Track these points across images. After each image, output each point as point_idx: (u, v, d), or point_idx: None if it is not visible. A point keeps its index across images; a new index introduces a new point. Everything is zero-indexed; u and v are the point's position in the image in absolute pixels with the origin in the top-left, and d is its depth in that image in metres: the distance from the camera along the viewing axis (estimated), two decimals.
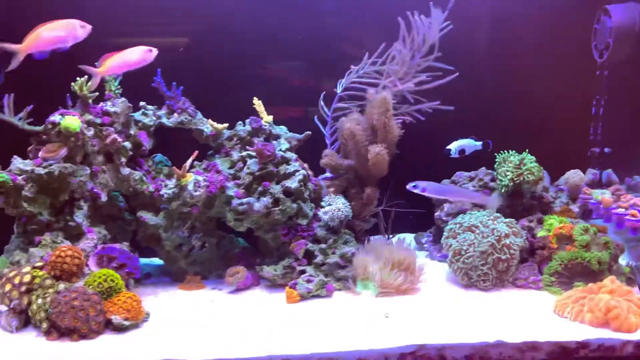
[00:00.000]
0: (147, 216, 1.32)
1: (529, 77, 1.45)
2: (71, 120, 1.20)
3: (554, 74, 1.44)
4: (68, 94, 1.32)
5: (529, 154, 1.38)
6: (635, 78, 1.35)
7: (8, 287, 1.20)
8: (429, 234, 1.55)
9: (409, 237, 1.58)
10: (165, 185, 1.32)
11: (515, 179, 1.36)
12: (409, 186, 1.31)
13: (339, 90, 1.49)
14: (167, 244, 1.33)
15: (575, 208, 1.41)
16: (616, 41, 1.27)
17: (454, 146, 1.41)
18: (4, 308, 1.23)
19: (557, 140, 1.47)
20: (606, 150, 1.47)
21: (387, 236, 1.45)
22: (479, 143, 1.43)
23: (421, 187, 1.29)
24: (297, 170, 1.30)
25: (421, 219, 1.53)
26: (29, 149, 1.34)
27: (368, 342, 1.12)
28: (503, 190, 1.38)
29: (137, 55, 1.25)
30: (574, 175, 1.39)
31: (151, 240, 1.35)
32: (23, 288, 1.20)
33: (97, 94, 1.27)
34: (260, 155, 1.28)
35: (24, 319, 1.17)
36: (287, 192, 1.29)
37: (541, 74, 1.44)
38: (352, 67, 1.49)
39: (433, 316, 1.23)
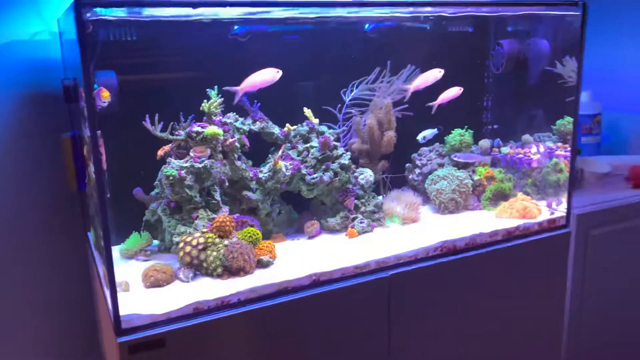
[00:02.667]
0: (250, 194, 1.88)
1: (453, 84, 2.33)
2: (215, 129, 1.72)
3: (462, 82, 2.34)
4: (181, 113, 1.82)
5: (466, 130, 2.29)
6: (509, 83, 2.36)
7: (188, 248, 1.65)
8: (404, 189, 2.36)
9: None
10: (261, 171, 1.90)
11: (458, 145, 2.26)
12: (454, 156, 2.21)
13: (347, 100, 2.20)
14: (262, 212, 1.90)
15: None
16: (507, 61, 2.25)
17: (420, 136, 2.25)
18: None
19: (468, 121, 2.39)
20: (495, 126, 2.47)
21: (384, 193, 2.21)
22: (435, 129, 2.28)
23: (456, 155, 2.22)
24: (344, 153, 1.98)
25: (394, 183, 2.33)
26: (161, 153, 1.79)
27: (414, 245, 1.88)
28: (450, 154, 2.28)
29: (269, 75, 1.81)
30: (484, 142, 2.33)
31: (250, 211, 1.90)
32: (201, 246, 1.66)
33: (220, 110, 1.81)
34: (325, 145, 1.94)
35: (194, 271, 1.66)
36: (342, 167, 1.97)
37: (456, 83, 2.32)
38: (354, 82, 2.19)
39: (438, 228, 1.96)
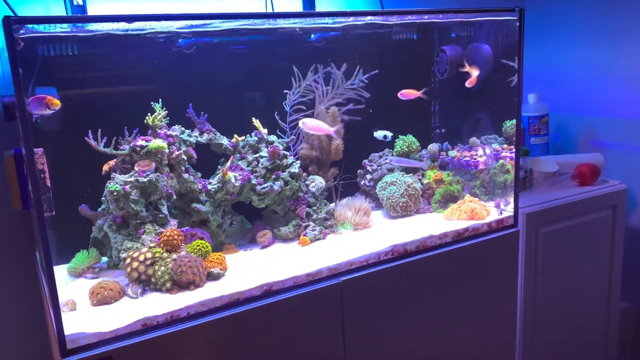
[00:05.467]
0: (199, 206, 1.86)
1: (397, 88, 2.37)
2: (159, 142, 1.70)
3: (410, 87, 2.39)
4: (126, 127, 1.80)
5: (411, 136, 2.34)
6: (454, 88, 2.42)
7: (135, 264, 1.63)
8: (356, 196, 2.38)
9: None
10: (209, 183, 1.89)
11: (406, 150, 2.30)
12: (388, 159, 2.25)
13: (288, 108, 2.22)
14: (213, 224, 1.89)
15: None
16: (450, 67, 2.31)
17: (380, 134, 2.26)
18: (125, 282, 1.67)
19: (417, 126, 2.44)
20: (443, 130, 2.52)
21: (337, 199, 2.23)
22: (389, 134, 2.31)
23: (390, 159, 2.21)
24: (294, 162, 2.00)
25: (347, 189, 2.35)
26: (106, 168, 1.77)
27: (366, 250, 1.90)
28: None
29: None
30: (433, 146, 2.37)
31: (201, 224, 1.89)
32: (148, 262, 1.64)
33: (165, 123, 1.80)
34: (274, 154, 1.94)
35: (142, 287, 1.64)
36: (292, 176, 1.98)
37: (404, 85, 2.37)
38: (286, 91, 2.22)
39: (389, 232, 2.01)
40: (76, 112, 1.77)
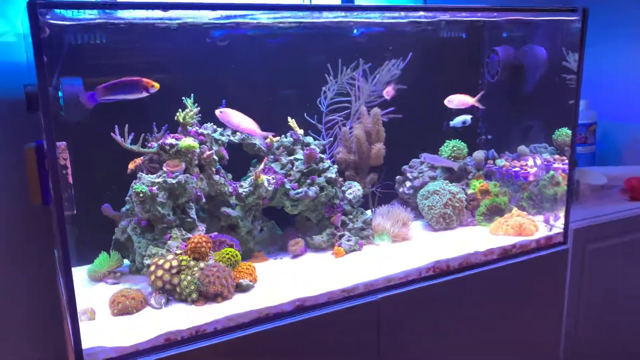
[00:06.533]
0: (229, 210, 1.74)
1: (444, 93, 2.21)
2: (190, 141, 1.58)
3: (456, 90, 2.23)
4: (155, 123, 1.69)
5: (460, 143, 2.17)
6: (505, 92, 2.26)
7: (160, 272, 1.51)
8: (393, 204, 2.22)
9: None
10: (241, 186, 1.76)
11: (452, 157, 2.14)
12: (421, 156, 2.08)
13: (323, 107, 2.07)
14: (243, 230, 1.77)
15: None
16: (502, 69, 2.14)
17: (458, 120, 2.10)
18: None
19: (462, 132, 2.28)
20: (489, 137, 2.36)
21: (374, 207, 2.09)
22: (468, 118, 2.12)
23: (423, 156, 2.05)
24: (330, 166, 1.86)
25: (386, 197, 2.20)
26: (132, 167, 1.65)
27: (405, 266, 1.76)
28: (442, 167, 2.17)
29: None
30: (479, 154, 2.21)
31: (229, 229, 1.77)
32: (174, 270, 1.52)
33: (196, 120, 1.67)
34: (310, 157, 1.81)
35: (166, 297, 1.53)
36: (328, 181, 1.85)
37: (452, 92, 2.21)
38: (323, 89, 2.08)
39: (431, 246, 1.88)
40: (102, 106, 1.66)
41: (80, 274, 1.69)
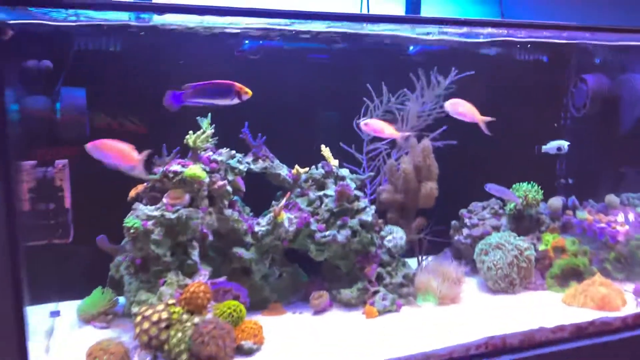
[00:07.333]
0: (241, 251, 1.49)
1: (515, 125, 1.87)
2: (196, 169, 1.35)
3: (532, 124, 1.88)
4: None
5: (534, 186, 1.81)
6: (593, 129, 1.87)
7: (146, 324, 1.28)
8: (445, 254, 1.89)
9: (430, 258, 1.90)
10: (258, 224, 1.51)
11: (523, 204, 1.78)
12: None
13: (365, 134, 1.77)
14: (257, 275, 1.51)
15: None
16: (592, 101, 1.76)
17: (553, 145, 1.79)
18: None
19: (537, 172, 1.91)
20: (570, 181, 1.96)
21: (420, 257, 1.76)
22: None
23: (488, 186, 1.68)
24: (367, 206, 1.57)
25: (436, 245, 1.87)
26: (133, 194, 1.44)
27: (450, 339, 1.42)
28: (509, 214, 1.80)
29: None
30: (555, 201, 1.84)
31: (242, 272, 1.51)
32: (163, 324, 1.29)
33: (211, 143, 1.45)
34: (342, 195, 1.53)
35: (153, 354, 1.28)
36: (363, 225, 1.55)
37: (524, 124, 1.86)
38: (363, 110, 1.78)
39: (485, 315, 1.55)
40: (110, 122, 1.46)
41: (70, 311, 1.49)
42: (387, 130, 1.58)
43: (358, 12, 1.77)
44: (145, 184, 1.43)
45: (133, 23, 1.44)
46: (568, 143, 1.77)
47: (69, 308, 1.50)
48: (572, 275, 1.72)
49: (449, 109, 1.56)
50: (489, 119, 1.56)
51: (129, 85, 1.56)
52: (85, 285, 1.51)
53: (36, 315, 1.54)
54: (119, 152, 1.26)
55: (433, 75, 1.72)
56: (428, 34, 1.61)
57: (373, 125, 1.57)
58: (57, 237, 1.47)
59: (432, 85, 1.72)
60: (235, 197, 1.55)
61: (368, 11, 1.77)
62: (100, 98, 1.47)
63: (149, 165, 1.39)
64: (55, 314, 1.49)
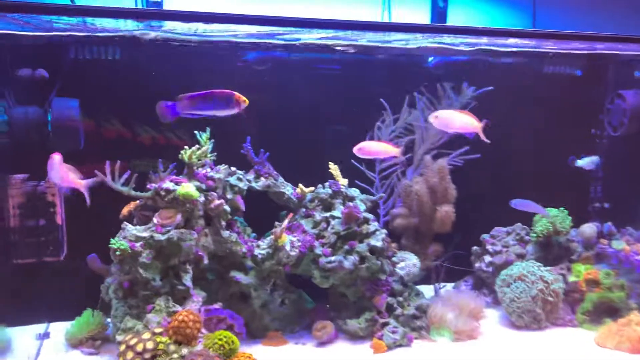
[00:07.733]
0: (239, 276, 1.38)
1: (545, 143, 1.72)
2: (189, 188, 1.26)
3: (562, 141, 1.73)
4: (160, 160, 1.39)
5: (563, 211, 1.65)
6: (632, 149, 1.70)
7: (130, 355, 1.20)
8: (466, 282, 1.75)
9: (448, 285, 1.76)
10: (258, 246, 1.40)
11: (550, 230, 1.62)
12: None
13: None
14: (256, 302, 1.40)
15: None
16: (630, 119, 1.60)
17: (585, 161, 1.65)
18: None
19: (568, 196, 1.75)
20: (606, 205, 1.79)
21: (438, 285, 1.62)
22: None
23: (514, 202, 1.53)
24: (377, 230, 1.45)
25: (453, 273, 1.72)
26: (125, 212, 1.36)
27: None
28: (536, 241, 1.65)
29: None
30: (588, 229, 1.67)
31: (240, 298, 1.40)
32: (147, 355, 1.20)
33: (203, 162, 1.35)
34: (350, 217, 1.41)
35: None
36: (372, 250, 1.43)
37: (555, 143, 1.71)
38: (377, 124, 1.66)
39: (505, 354, 1.40)
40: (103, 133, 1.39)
41: (60, 334, 1.40)
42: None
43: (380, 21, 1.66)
44: (137, 201, 1.34)
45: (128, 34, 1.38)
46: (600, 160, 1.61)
47: (60, 329, 1.42)
48: (606, 311, 1.56)
49: (435, 123, 1.42)
50: (480, 129, 1.40)
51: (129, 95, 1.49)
52: (78, 305, 1.43)
53: (23, 338, 1.48)
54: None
55: (451, 88, 1.59)
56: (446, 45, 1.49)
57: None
58: (48, 255, 1.40)
59: (458, 96, 1.59)
60: (236, 217, 1.46)
61: (390, 19, 1.66)
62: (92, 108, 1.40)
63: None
64: (44, 336, 1.42)
